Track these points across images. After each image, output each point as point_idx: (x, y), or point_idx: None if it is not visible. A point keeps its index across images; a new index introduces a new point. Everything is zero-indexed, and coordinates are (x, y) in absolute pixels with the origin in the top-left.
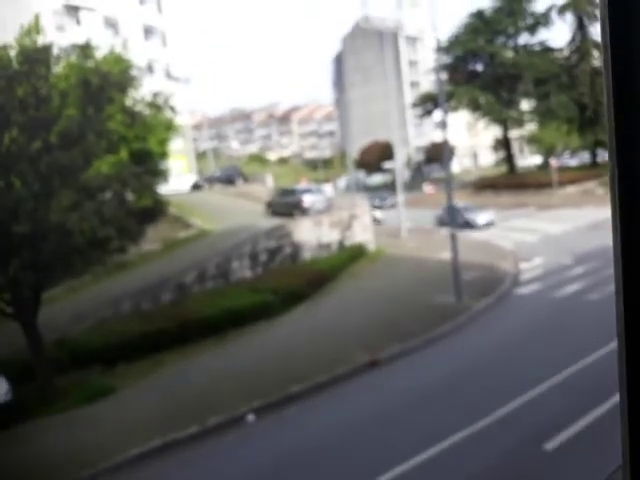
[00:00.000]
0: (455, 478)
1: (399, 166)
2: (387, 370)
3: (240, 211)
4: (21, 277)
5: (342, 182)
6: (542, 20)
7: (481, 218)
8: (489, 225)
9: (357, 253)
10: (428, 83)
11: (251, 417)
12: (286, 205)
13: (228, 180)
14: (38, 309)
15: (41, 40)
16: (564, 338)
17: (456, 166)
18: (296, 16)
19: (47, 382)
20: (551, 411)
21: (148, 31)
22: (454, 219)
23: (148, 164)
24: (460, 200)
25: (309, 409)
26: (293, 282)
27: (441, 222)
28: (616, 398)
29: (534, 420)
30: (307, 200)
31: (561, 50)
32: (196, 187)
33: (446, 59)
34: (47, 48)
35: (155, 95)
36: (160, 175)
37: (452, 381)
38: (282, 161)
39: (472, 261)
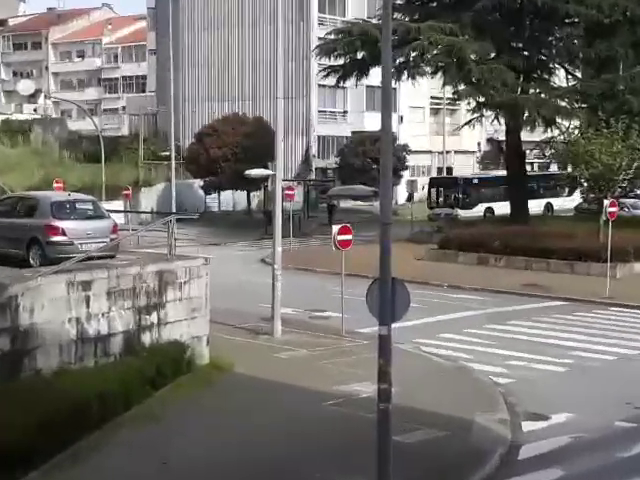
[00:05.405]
0: None
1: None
2: None
3: None
4: None
5: (153, 194)
6: None
7: None
8: None
9: (167, 367)
10: None
11: None
12: (9, 237)
13: None
14: None
15: None
16: None
17: None
18: None
19: None
20: None
21: None
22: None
23: None
24: None
25: None
26: (7, 424)
27: None
28: None
29: None
30: (62, 229)
31: None
32: None
33: None
34: None
35: None
36: None
37: None
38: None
39: (421, 405)
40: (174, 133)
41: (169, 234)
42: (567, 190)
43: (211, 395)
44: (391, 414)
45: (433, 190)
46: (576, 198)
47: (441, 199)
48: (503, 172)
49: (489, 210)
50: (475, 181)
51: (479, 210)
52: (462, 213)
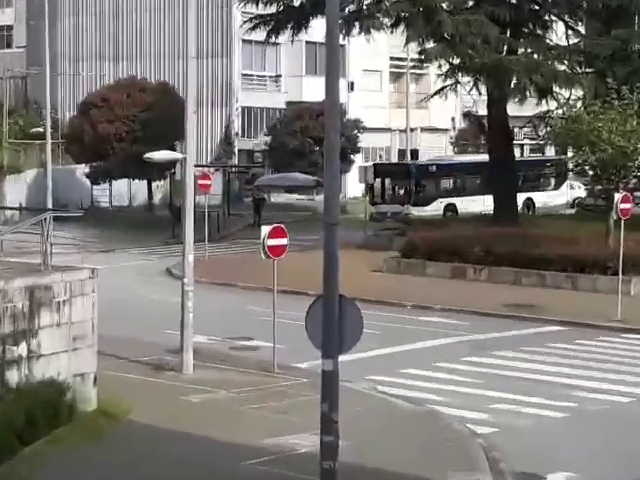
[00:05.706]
0: None
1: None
2: None
3: None
4: None
5: (22, 184)
6: None
7: None
8: None
9: (40, 415)
10: None
11: None
12: None
13: None
14: None
15: None
16: None
17: None
18: None
19: None
20: None
21: None
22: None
23: None
24: None
25: None
26: None
27: None
28: None
29: None
30: None
31: None
32: None
33: None
34: None
35: None
36: None
37: None
38: None
39: (377, 463)
40: (50, 103)
41: (43, 237)
42: (553, 182)
43: (99, 451)
44: (338, 475)
45: (378, 180)
46: (565, 192)
47: (388, 193)
48: (474, 157)
49: (450, 207)
50: (432, 169)
51: (437, 207)
52: (415, 211)
